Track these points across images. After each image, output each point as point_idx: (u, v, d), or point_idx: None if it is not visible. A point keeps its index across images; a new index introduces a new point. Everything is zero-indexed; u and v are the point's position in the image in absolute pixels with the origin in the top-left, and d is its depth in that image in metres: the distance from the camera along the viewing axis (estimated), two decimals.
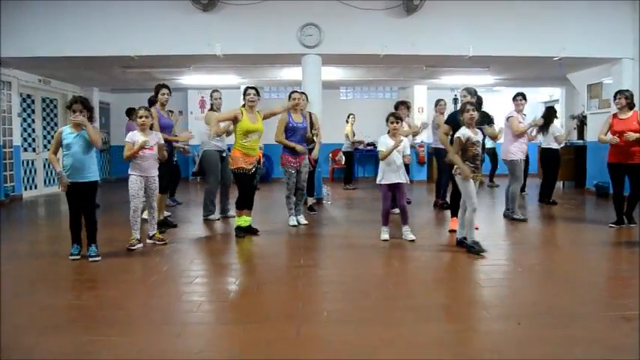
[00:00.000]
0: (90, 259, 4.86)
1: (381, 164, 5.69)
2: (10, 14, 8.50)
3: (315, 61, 9.03)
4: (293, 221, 6.69)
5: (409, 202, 8.10)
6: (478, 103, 6.05)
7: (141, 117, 5.38)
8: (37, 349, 2.92)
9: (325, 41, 8.82)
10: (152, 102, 6.92)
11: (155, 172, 5.50)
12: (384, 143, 5.62)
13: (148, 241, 5.58)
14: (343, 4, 8.66)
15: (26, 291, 4.05)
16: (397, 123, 5.68)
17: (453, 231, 5.98)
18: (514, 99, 7.39)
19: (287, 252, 5.32)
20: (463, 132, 5.18)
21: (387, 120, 5.74)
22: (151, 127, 5.59)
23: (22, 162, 10.40)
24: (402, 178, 5.66)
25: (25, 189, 10.53)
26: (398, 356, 2.82)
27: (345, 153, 12.10)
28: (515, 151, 7.10)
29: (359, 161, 14.14)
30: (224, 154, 7.23)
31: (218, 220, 7.18)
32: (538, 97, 14.47)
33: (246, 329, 3.25)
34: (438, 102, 8.63)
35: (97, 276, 4.47)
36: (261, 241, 5.89)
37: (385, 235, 5.76)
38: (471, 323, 3.39)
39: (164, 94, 6.54)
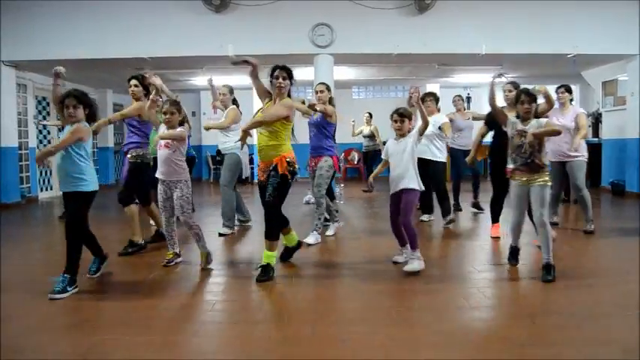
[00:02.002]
0: (49, 295, 3.75)
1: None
2: (25, 17, 8.63)
3: (327, 60, 9.05)
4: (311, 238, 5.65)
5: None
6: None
7: (165, 113, 4.55)
8: (50, 349, 2.94)
9: (337, 41, 8.83)
10: None
11: (176, 177, 4.59)
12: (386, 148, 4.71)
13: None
14: (355, 3, 8.66)
15: (39, 291, 4.09)
16: (401, 122, 4.52)
17: (496, 238, 5.75)
18: (556, 92, 6.30)
19: (300, 252, 5.30)
20: (510, 118, 4.47)
21: (391, 118, 4.59)
22: (182, 123, 4.80)
23: None
24: (407, 183, 4.49)
25: (41, 190, 10.66)
26: (412, 356, 2.82)
27: (364, 152, 11.92)
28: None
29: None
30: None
31: (233, 234, 6.26)
32: (552, 94, 14.32)
33: (260, 328, 3.26)
34: (453, 98, 8.20)
35: (110, 276, 4.50)
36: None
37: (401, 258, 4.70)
38: (485, 323, 3.38)
39: (130, 86, 5.46)
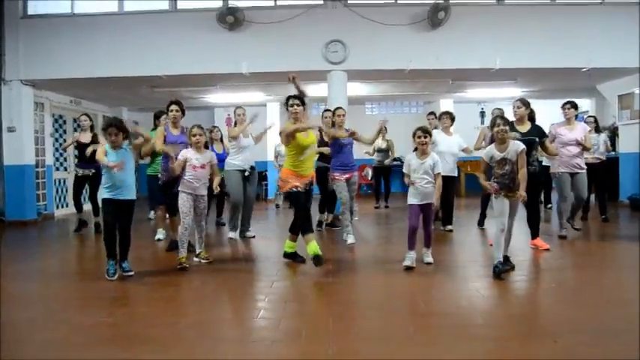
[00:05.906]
0: (124, 273, 4.96)
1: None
2: (41, 37, 8.82)
3: (341, 77, 9.08)
4: (351, 239, 6.57)
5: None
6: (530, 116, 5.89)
7: (194, 135, 5.37)
8: None
9: (350, 57, 8.87)
10: (157, 116, 7.24)
11: (204, 192, 5.50)
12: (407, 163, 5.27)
13: (195, 259, 5.56)
14: (368, 20, 8.70)
15: (58, 309, 4.10)
16: (425, 137, 5.14)
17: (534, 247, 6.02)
18: (563, 108, 6.81)
19: (315, 269, 5.25)
20: (487, 151, 4.90)
21: (414, 135, 5.22)
22: (207, 146, 5.71)
23: (55, 181, 10.63)
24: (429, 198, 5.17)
25: (57, 207, 10.75)
26: None
27: (375, 168, 11.02)
28: (556, 163, 6.75)
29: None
30: (246, 174, 6.96)
31: (234, 239, 6.98)
32: None
33: (275, 347, 3.23)
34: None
35: (127, 293, 4.50)
36: (289, 259, 5.64)
37: (409, 262, 5.16)
38: (505, 341, 3.31)
39: (172, 110, 6.17)
